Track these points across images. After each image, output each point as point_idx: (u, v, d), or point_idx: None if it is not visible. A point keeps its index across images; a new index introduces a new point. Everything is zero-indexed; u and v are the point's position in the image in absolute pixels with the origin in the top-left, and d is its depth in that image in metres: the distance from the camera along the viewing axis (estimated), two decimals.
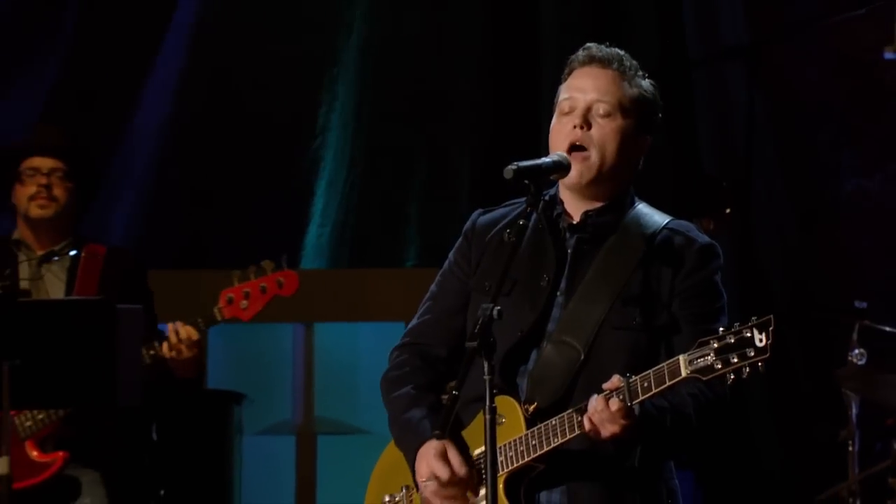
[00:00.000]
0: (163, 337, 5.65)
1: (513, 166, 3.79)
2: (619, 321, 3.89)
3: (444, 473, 3.88)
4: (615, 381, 3.73)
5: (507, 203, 4.13)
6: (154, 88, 8.04)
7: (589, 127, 3.93)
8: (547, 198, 4.00)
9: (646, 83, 4.01)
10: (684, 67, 7.75)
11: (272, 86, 8.09)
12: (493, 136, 7.97)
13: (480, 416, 3.80)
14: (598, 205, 3.98)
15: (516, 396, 3.90)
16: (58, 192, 5.76)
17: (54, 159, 5.77)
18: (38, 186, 5.74)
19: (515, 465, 3.84)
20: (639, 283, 3.92)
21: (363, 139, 8.13)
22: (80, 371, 4.80)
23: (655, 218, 4.01)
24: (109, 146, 7.87)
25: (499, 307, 3.64)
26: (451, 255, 4.16)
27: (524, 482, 3.87)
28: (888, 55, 7.33)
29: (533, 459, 3.83)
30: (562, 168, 3.90)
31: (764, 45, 7.48)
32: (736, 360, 3.64)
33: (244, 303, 5.59)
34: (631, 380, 3.71)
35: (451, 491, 3.90)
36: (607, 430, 3.72)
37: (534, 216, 3.93)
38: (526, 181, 3.81)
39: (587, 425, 3.74)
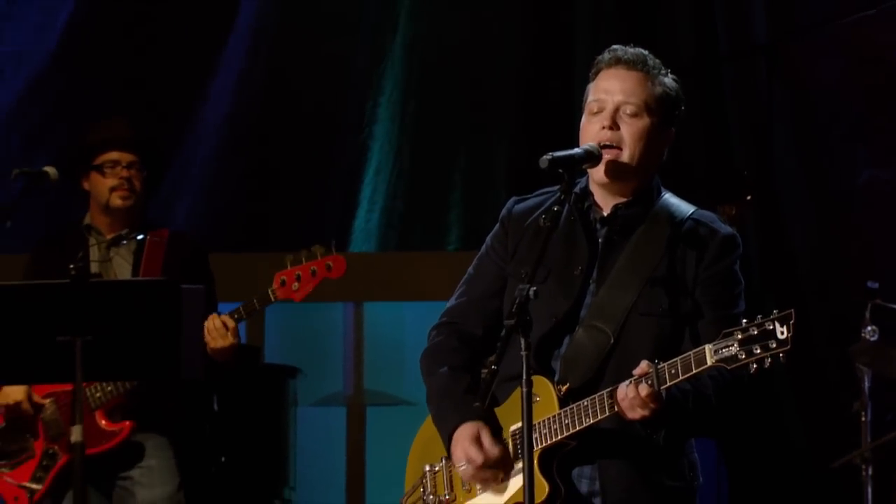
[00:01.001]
0: None
1: (547, 156, 3.77)
2: (646, 308, 3.86)
3: (477, 458, 3.87)
4: (644, 366, 3.70)
5: (540, 191, 4.09)
6: (216, 88, 8.04)
7: (617, 127, 3.89)
8: (578, 190, 3.97)
9: (668, 80, 3.96)
10: (716, 63, 7.65)
11: (324, 82, 8.06)
12: (530, 128, 7.92)
13: (515, 394, 3.80)
14: (627, 198, 3.94)
15: (550, 378, 3.87)
16: (137, 183, 5.74)
17: (132, 153, 5.75)
18: (120, 179, 5.71)
19: (549, 441, 3.82)
20: (665, 270, 3.88)
21: (408, 131, 8.10)
22: (146, 346, 4.76)
23: (682, 208, 3.98)
24: (175, 140, 7.88)
25: (535, 287, 3.61)
26: (487, 240, 4.13)
27: (556, 457, 3.84)
28: None
29: (566, 437, 3.81)
30: (593, 157, 3.87)
31: (782, 44, 7.40)
32: (759, 351, 3.60)
33: (296, 285, 5.54)
34: (659, 366, 3.68)
35: (485, 473, 3.89)
36: (637, 413, 3.70)
37: (567, 205, 3.88)
38: (560, 170, 3.79)
39: (618, 408, 3.72)
